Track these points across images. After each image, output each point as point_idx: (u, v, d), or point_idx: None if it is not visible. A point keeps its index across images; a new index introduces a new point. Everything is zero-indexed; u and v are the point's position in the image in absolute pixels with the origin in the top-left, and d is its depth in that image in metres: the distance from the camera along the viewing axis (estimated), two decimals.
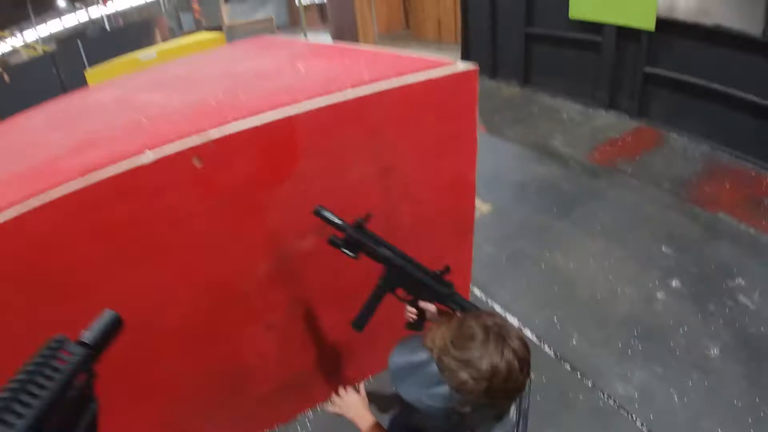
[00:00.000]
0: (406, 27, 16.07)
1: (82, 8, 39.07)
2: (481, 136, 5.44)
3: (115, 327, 0.79)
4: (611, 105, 6.86)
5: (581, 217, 4.01)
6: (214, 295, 1.31)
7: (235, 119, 1.23)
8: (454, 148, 1.47)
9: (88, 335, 0.75)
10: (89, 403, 0.72)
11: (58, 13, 40.72)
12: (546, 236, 3.86)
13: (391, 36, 16.47)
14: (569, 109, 6.79)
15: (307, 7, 31.71)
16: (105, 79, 6.20)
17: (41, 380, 0.64)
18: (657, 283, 3.24)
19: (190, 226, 1.23)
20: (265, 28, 12.18)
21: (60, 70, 11.94)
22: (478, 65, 1.48)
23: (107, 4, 25.11)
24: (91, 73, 6.71)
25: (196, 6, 15.89)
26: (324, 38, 19.73)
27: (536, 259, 3.61)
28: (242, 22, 13.90)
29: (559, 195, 4.36)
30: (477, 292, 3.16)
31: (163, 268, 1.25)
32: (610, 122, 6.23)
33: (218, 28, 13.03)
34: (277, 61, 2.11)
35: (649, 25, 6.13)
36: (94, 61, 11.45)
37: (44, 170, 1.29)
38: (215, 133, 1.20)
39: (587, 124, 6.15)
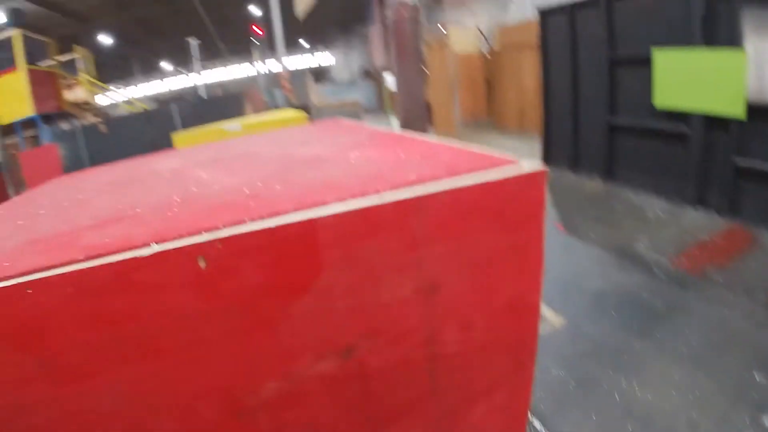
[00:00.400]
0: (489, 115, 16.23)
1: (185, 74, 42.36)
2: (559, 236, 5.17)
3: None
4: (700, 202, 6.42)
5: (665, 336, 3.60)
6: (216, 406, 1.14)
7: (251, 218, 1.06)
8: (515, 265, 1.24)
9: None
10: None
11: (162, 75, 44.51)
12: (624, 359, 3.46)
13: (473, 123, 16.64)
14: (654, 206, 6.40)
15: (393, 92, 32.82)
16: (189, 143, 6.47)
17: None
18: (748, 421, 2.79)
19: (192, 330, 1.08)
20: (352, 110, 12.54)
21: (153, 129, 12.63)
22: (547, 167, 1.25)
23: (204, 74, 26.82)
24: (179, 137, 6.95)
25: (286, 84, 16.70)
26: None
27: (610, 387, 3.23)
28: (329, 103, 14.40)
29: (641, 308, 3.97)
30: (536, 424, 2.83)
31: (159, 369, 1.12)
32: (698, 221, 5.80)
33: (306, 107, 13.55)
34: (335, 148, 2.00)
35: (739, 112, 5.72)
36: (186, 124, 12.14)
37: (63, 240, 1.28)
38: (225, 233, 1.04)
39: (674, 224, 5.73)
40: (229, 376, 1.15)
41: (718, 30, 5.98)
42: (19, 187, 14.05)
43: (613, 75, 7.76)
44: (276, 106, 19.17)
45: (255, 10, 25.32)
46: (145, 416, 1.14)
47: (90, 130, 13.58)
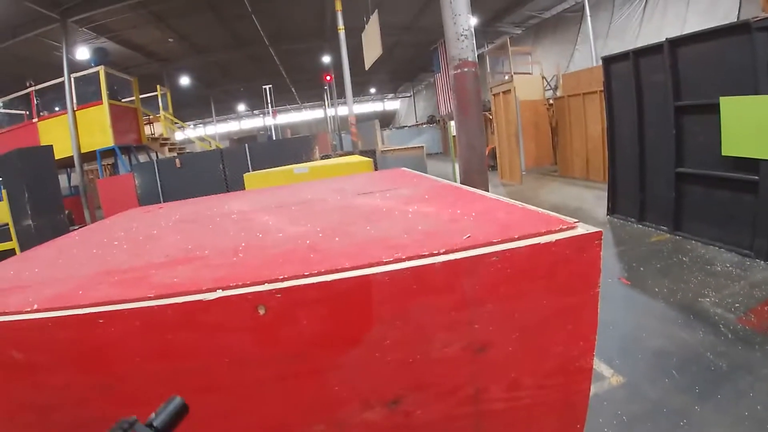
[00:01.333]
0: (554, 163, 16.06)
1: (259, 115, 44.02)
2: (623, 289, 5.05)
3: (180, 413, 0.83)
4: None
5: (728, 399, 3.42)
6: None
7: (310, 272, 1.13)
8: (568, 327, 1.25)
9: (157, 419, 0.80)
10: None
11: (237, 115, 46.30)
12: (683, 424, 3.30)
13: (537, 170, 16.51)
14: (723, 260, 6.17)
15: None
16: (259, 183, 6.70)
17: None
18: None
19: (247, 372, 1.16)
20: (416, 155, 12.67)
21: (225, 167, 13.09)
22: (613, 217, 1.26)
23: (276, 116, 27.81)
24: (249, 177, 7.19)
25: (353, 129, 17.10)
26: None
27: None
28: (394, 148, 14.61)
29: (704, 369, 3.79)
30: None
31: (213, 404, 1.20)
32: None
33: (372, 152, 13.83)
34: (395, 201, 2.07)
35: None
36: (256, 163, 12.57)
37: (135, 275, 1.39)
38: (285, 284, 1.11)
39: (743, 279, 5.50)
40: (279, 417, 1.21)
41: None
42: (95, 210, 14.83)
43: (679, 123, 7.62)
44: (342, 149, 19.60)
45: (326, 58, 26.21)
46: None
47: (165, 164, 14.28)
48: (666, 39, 7.62)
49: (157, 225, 2.56)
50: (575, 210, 10.17)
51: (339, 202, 2.36)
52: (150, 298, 1.18)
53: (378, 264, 1.14)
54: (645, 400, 3.57)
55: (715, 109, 6.78)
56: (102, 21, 17.67)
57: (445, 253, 1.16)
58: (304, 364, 1.18)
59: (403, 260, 1.15)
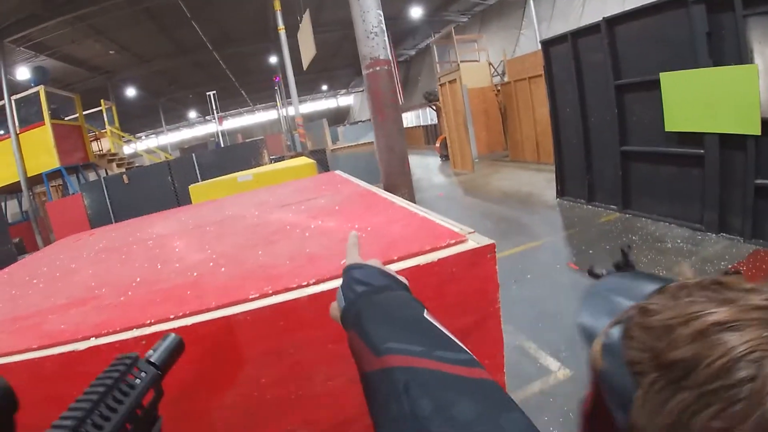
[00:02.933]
0: (506, 148, 16.20)
1: (211, 121, 43.25)
2: (571, 275, 5.04)
3: (177, 349, 0.83)
4: (721, 228, 6.29)
5: None
6: None
7: (175, 315, 1.09)
8: (468, 348, 1.20)
9: (155, 355, 0.80)
10: (155, 420, 0.75)
11: (189, 123, 45.54)
12: None
13: (490, 156, 16.63)
14: (674, 235, 6.23)
15: (412, 129, 33.16)
16: (205, 194, 6.54)
17: (118, 395, 0.69)
18: None
19: None
20: (368, 151, 12.61)
21: (174, 179, 12.84)
22: (494, 242, 1.22)
23: (223, 123, 27.44)
24: (194, 189, 7.03)
25: (301, 130, 16.97)
26: (424, 162, 20.42)
27: None
28: (344, 146, 14.53)
29: None
30: None
31: None
32: (721, 249, 5.62)
33: (322, 151, 13.72)
34: (305, 215, 2.02)
35: (754, 128, 5.60)
36: (205, 173, 12.35)
37: (33, 322, 1.37)
38: (152, 329, 1.07)
39: (695, 254, 5.56)
40: None
41: (724, 46, 5.93)
42: (49, 234, 14.45)
43: (621, 101, 7.70)
44: (296, 149, 19.43)
45: (273, 58, 25.95)
46: None
47: (113, 181, 13.92)
48: (603, 18, 7.69)
49: (79, 257, 2.48)
50: (527, 195, 10.24)
51: (255, 218, 2.30)
52: (33, 350, 1.15)
53: (244, 301, 1.08)
54: None
55: (656, 85, 6.86)
56: (39, 38, 17.23)
57: (315, 283, 1.10)
58: (180, 408, 1.12)
59: (270, 295, 1.09)
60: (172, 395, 1.10)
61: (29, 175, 15.16)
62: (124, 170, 16.89)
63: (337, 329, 1.09)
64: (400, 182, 4.55)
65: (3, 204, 16.86)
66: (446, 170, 16.46)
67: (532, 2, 19.86)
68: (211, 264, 1.50)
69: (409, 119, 35.72)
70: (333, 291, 1.08)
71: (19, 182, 15.14)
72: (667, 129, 6.84)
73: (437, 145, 19.52)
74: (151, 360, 0.80)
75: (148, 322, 1.10)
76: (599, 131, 8.32)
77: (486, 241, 1.22)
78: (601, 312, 0.75)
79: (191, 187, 7.15)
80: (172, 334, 0.83)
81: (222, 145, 25.34)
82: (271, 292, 1.10)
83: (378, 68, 4.68)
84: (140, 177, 13.67)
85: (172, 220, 3.02)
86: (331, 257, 1.26)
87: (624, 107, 7.69)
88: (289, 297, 1.07)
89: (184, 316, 1.09)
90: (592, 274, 1.16)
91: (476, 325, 1.23)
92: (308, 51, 14.68)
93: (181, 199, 12.33)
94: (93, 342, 1.10)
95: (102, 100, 18.97)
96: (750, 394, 0.44)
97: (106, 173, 17.57)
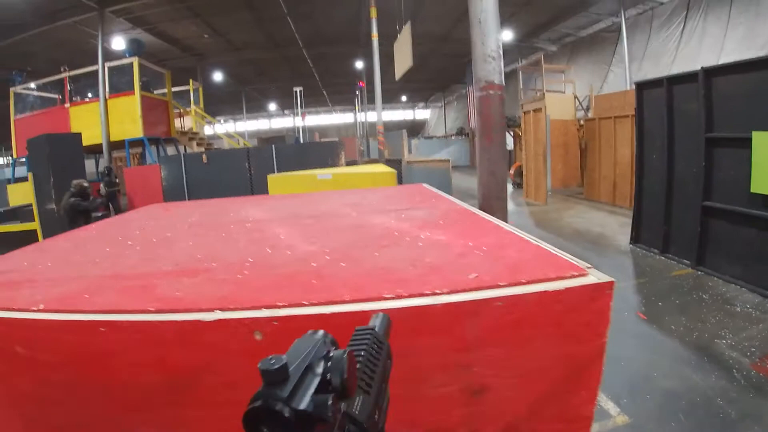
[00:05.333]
0: (580, 184, 15.90)
1: (289, 115, 44.37)
2: (639, 324, 4.94)
3: (389, 325, 0.87)
4: None
5: None
6: None
7: (309, 302, 1.12)
8: (570, 376, 1.22)
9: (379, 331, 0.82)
10: (387, 389, 0.78)
11: (268, 114, 46.72)
12: None
13: (563, 191, 16.36)
14: (744, 300, 6.01)
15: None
16: (283, 186, 6.72)
17: (372, 358, 0.72)
18: None
19: (238, 393, 1.13)
20: (442, 168, 12.61)
21: (251, 166, 13.17)
22: (614, 280, 1.23)
23: (305, 119, 28.04)
24: (273, 179, 7.23)
25: (381, 138, 17.14)
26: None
27: None
28: (420, 159, 14.59)
29: (712, 415, 3.68)
30: None
31: (200, 418, 1.22)
32: None
33: (398, 162, 13.83)
34: (409, 224, 2.05)
35: None
36: (281, 165, 12.63)
37: (141, 284, 1.43)
38: (283, 312, 1.10)
39: (762, 322, 5.35)
40: None
41: None
42: (121, 197, 15.14)
43: (710, 155, 7.45)
44: (369, 156, 19.62)
45: (359, 63, 26.35)
46: None
47: (192, 158, 14.40)
48: (701, 68, 7.48)
49: (173, 226, 2.59)
50: (598, 236, 10.03)
51: (354, 219, 2.35)
52: (150, 312, 1.19)
53: (378, 299, 1.12)
54: None
55: (748, 143, 6.61)
56: (139, 13, 18.03)
57: (449, 293, 1.13)
58: None
59: (405, 297, 1.12)
60: None
61: (112, 140, 16.01)
62: (203, 149, 17.51)
63: (461, 338, 1.13)
64: (497, 207, 4.57)
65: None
66: (517, 198, 16.29)
67: (626, 40, 19.48)
68: (327, 257, 1.55)
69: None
70: (465, 303, 1.12)
71: (100, 144, 15.92)
72: (752, 190, 6.59)
73: (511, 172, 19.37)
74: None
75: (280, 304, 1.15)
76: (683, 182, 8.08)
77: (606, 278, 1.23)
78: None
79: (270, 177, 7.36)
80: (383, 314, 0.87)
81: (301, 141, 25.89)
82: (405, 294, 1.13)
83: (491, 92, 4.71)
84: (219, 159, 14.10)
85: (262, 207, 3.11)
86: (456, 270, 1.29)
87: (712, 161, 7.44)
88: (422, 302, 1.11)
89: (319, 304, 1.13)
90: None
91: (582, 355, 1.24)
92: (404, 62, 14.84)
93: (256, 186, 12.62)
94: (219, 315, 1.14)
95: (191, 80, 19.72)
96: None
97: (185, 150, 18.24)
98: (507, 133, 24.43)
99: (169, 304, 1.22)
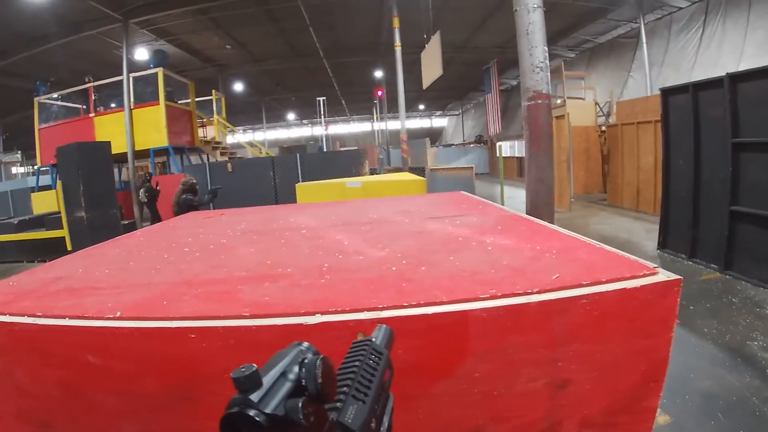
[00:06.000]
0: (603, 191, 15.87)
1: (308, 125, 44.68)
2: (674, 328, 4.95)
3: (392, 340, 0.91)
4: None
5: None
6: None
7: (409, 303, 1.21)
8: (641, 368, 1.30)
9: (380, 342, 0.86)
10: (388, 397, 0.82)
11: (287, 124, 47.05)
12: None
13: (586, 198, 16.34)
14: None
15: (506, 159, 32.97)
16: (311, 195, 6.83)
17: (369, 369, 0.76)
18: None
19: None
20: (465, 176, 12.68)
21: (276, 175, 13.31)
22: (680, 277, 1.31)
23: (328, 128, 28.28)
24: (301, 187, 7.35)
25: (405, 146, 17.22)
26: (519, 194, 20.27)
27: None
28: (444, 167, 14.67)
29: (749, 414, 3.74)
30: None
31: None
32: None
33: (421, 169, 13.93)
34: (468, 230, 2.13)
35: None
36: (306, 174, 12.76)
37: (222, 289, 1.48)
38: (385, 314, 1.19)
39: None
40: None
41: None
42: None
43: (736, 160, 7.47)
44: (389, 164, 19.70)
45: (378, 73, 26.53)
46: None
47: (217, 167, 14.59)
48: (727, 74, 7.51)
49: (224, 233, 2.64)
50: (625, 242, 10.03)
51: (409, 225, 2.43)
52: (245, 317, 1.22)
53: (474, 300, 1.21)
54: None
55: None
56: (162, 24, 18.33)
57: (538, 293, 1.22)
58: (394, 390, 1.25)
59: (499, 297, 1.21)
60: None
61: (137, 149, 16.29)
62: (227, 158, 17.73)
63: (552, 335, 1.22)
64: (544, 213, 4.68)
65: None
66: None
67: (645, 45, 19.43)
68: (404, 262, 1.64)
69: (504, 149, 35.63)
70: (555, 301, 1.21)
71: (124, 153, 16.15)
72: None
73: None
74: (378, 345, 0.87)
75: (381, 306, 1.22)
76: (710, 187, 8.09)
77: (674, 276, 1.31)
78: None
79: (298, 186, 7.47)
80: (385, 326, 0.90)
81: (324, 150, 26.10)
82: (500, 295, 1.22)
83: (540, 101, 4.83)
84: (244, 168, 14.25)
85: (307, 214, 3.16)
86: (536, 272, 1.38)
87: (739, 166, 7.46)
88: (516, 301, 1.20)
89: (419, 305, 1.22)
90: None
91: (652, 348, 1.32)
92: (433, 71, 14.97)
93: (281, 195, 12.75)
94: (321, 318, 1.20)
95: (213, 90, 20.01)
96: None
97: (209, 159, 18.49)
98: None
99: (263, 309, 1.26)
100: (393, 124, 27.50)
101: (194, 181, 9.49)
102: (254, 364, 0.62)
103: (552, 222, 4.94)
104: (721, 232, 7.74)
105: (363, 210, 3.22)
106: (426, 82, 15.94)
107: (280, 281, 1.53)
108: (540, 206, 4.73)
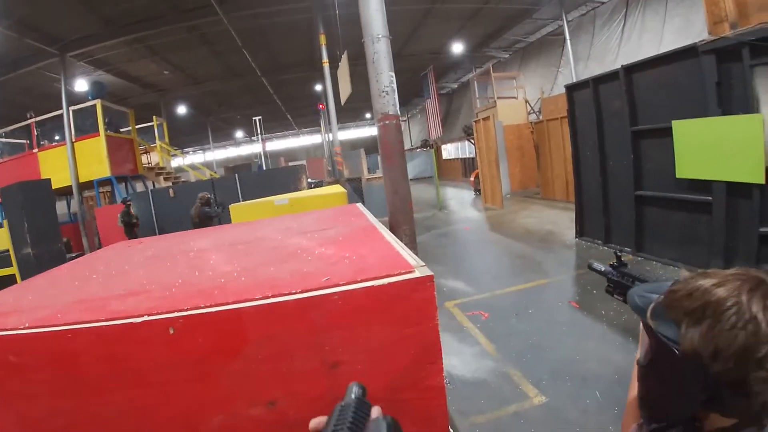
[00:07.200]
0: (539, 185, 16.53)
1: (256, 141, 44.48)
2: (570, 312, 5.46)
3: (363, 388, 1.17)
4: None
5: None
6: (180, 430, 1.64)
7: (205, 304, 1.60)
8: (411, 351, 1.66)
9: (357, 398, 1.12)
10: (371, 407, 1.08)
11: (236, 142, 46.94)
12: None
13: (521, 193, 16.98)
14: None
15: (450, 161, 33.50)
16: (244, 214, 7.10)
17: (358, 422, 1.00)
18: None
19: (164, 373, 1.62)
20: None
21: (216, 196, 13.57)
22: (433, 273, 1.69)
23: (266, 145, 28.40)
24: (235, 208, 7.60)
25: (339, 159, 17.66)
26: (459, 195, 20.75)
27: None
28: (378, 176, 15.10)
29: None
30: None
31: (143, 396, 1.66)
32: None
33: (358, 180, 14.31)
34: (315, 242, 2.50)
35: (758, 177, 5.82)
36: (246, 193, 13.04)
37: (97, 304, 1.85)
38: (186, 313, 1.57)
39: None
40: (188, 409, 1.64)
41: (733, 96, 6.14)
42: (94, 237, 15.50)
43: (637, 147, 8.00)
44: (335, 175, 20.10)
45: (319, 86, 26.91)
46: (131, 426, 1.67)
47: (159, 193, 14.75)
48: (621, 66, 8.06)
49: (130, 260, 2.99)
50: (547, 233, 10.56)
51: (277, 242, 2.79)
52: (102, 321, 1.63)
53: (250, 300, 1.59)
54: (561, 420, 3.88)
55: (669, 132, 7.15)
56: (99, 55, 18.45)
57: (300, 292, 1.60)
58: (203, 370, 1.61)
59: (268, 297, 1.60)
60: (195, 359, 1.61)
61: (81, 180, 16.38)
62: (170, 184, 17.87)
63: (312, 324, 1.60)
64: (402, 219, 5.11)
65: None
66: (478, 204, 16.85)
67: (569, 42, 20.17)
68: (235, 274, 2.02)
69: (449, 151, 36.25)
70: (311, 298, 1.60)
71: (70, 186, 16.34)
72: (678, 175, 7.11)
73: (471, 179, 19.93)
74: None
75: (185, 308, 1.61)
76: (617, 175, 8.64)
77: (427, 272, 1.68)
78: (644, 299, 1.31)
79: (232, 206, 7.74)
80: (354, 383, 1.19)
81: (264, 167, 26.34)
82: (270, 295, 1.61)
83: (387, 122, 5.29)
84: (186, 192, 14.47)
85: (212, 237, 3.53)
86: (319, 275, 1.75)
87: (640, 153, 8.01)
88: (280, 299, 1.58)
89: (211, 306, 1.60)
90: (592, 269, 2.03)
91: (418, 334, 1.68)
92: (345, 89, 15.44)
93: (223, 216, 13.04)
94: (146, 318, 1.61)
95: (154, 116, 20.13)
96: (737, 311, 0.96)
97: (153, 185, 18.58)
98: (468, 142, 25.15)
99: (114, 315, 1.65)
100: (343, 134, 27.87)
101: (209, 195, 11.03)
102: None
103: (412, 226, 5.39)
104: (630, 217, 8.30)
105: (256, 229, 3.55)
106: (343, 98, 16.41)
107: (141, 296, 1.90)
108: (398, 214, 5.17)
